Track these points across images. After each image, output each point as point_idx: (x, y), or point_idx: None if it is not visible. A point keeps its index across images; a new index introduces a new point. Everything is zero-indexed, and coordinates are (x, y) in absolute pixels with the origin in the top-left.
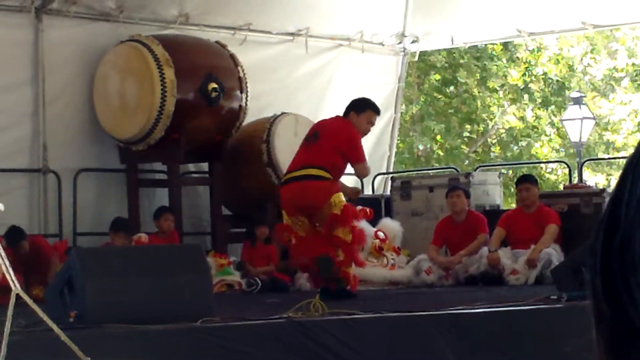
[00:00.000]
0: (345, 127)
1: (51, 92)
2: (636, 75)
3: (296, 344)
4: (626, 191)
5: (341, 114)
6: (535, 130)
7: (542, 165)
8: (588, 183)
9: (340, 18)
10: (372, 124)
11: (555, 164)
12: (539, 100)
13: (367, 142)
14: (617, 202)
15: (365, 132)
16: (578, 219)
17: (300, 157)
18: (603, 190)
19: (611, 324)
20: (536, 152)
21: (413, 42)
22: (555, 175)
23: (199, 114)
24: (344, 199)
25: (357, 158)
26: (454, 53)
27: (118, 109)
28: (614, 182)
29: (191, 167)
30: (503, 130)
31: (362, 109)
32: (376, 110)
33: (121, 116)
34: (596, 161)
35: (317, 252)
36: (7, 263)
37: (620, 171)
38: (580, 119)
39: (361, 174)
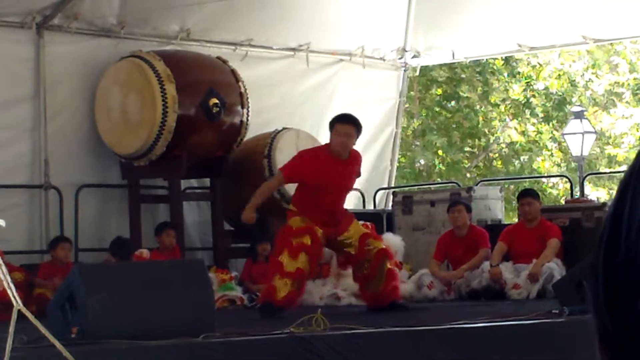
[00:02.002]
0: None
1: (52, 108)
2: (638, 89)
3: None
4: (626, 211)
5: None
6: (537, 144)
7: (544, 179)
8: (590, 197)
9: (341, 33)
10: (346, 134)
11: (557, 179)
12: (541, 115)
13: (369, 157)
14: (617, 221)
15: (340, 146)
16: (580, 233)
17: None
18: (604, 204)
19: (616, 342)
20: (538, 167)
21: (414, 57)
22: (557, 190)
23: (200, 129)
24: (293, 222)
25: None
26: (456, 67)
27: (119, 124)
28: None
29: (193, 182)
30: (504, 145)
31: (332, 126)
32: (346, 119)
33: (123, 132)
34: (598, 175)
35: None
36: (9, 279)
37: (617, 189)
38: (581, 133)
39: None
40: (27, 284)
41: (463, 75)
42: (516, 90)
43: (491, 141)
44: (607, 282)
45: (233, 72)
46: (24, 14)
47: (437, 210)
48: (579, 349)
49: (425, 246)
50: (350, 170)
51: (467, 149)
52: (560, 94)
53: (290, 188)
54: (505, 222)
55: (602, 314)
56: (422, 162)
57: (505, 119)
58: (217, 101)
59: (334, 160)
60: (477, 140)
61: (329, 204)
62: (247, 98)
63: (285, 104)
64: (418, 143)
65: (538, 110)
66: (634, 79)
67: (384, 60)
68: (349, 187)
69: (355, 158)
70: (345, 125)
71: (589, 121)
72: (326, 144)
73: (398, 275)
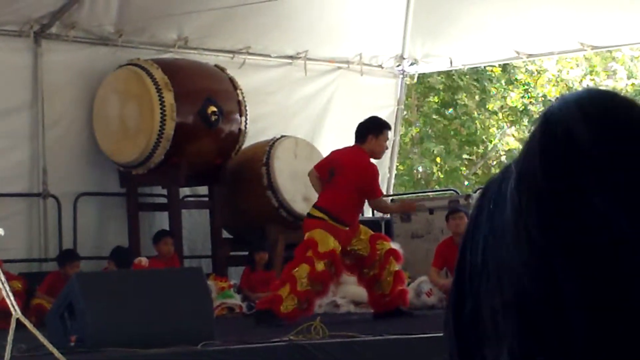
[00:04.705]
0: (363, 163)
1: (51, 116)
2: (636, 96)
3: None
4: (467, 261)
5: (353, 139)
6: None
7: None
8: None
9: (339, 41)
10: (387, 140)
11: None
12: None
13: None
14: (461, 272)
15: (384, 152)
16: None
17: (319, 196)
18: None
19: None
20: None
21: (412, 64)
22: None
23: (198, 137)
24: (317, 236)
25: (375, 194)
26: (453, 75)
27: (118, 133)
28: None
29: (191, 190)
30: (503, 152)
31: (380, 131)
32: (390, 127)
33: (121, 140)
34: None
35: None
36: (7, 288)
37: (460, 243)
38: None
39: (380, 209)
40: (26, 292)
41: (461, 83)
42: (514, 98)
43: (489, 148)
44: (458, 335)
45: (231, 80)
46: (22, 22)
47: (436, 217)
48: None
49: (424, 254)
50: None
51: (465, 156)
52: None
53: (295, 197)
54: None
55: (454, 358)
56: (421, 169)
57: (503, 126)
58: (215, 109)
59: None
60: (475, 147)
61: (362, 204)
62: (245, 106)
63: (283, 112)
64: (416, 150)
65: (536, 117)
66: (632, 84)
67: (382, 67)
68: None
69: None
70: (389, 131)
71: None
72: (361, 147)
73: (405, 279)
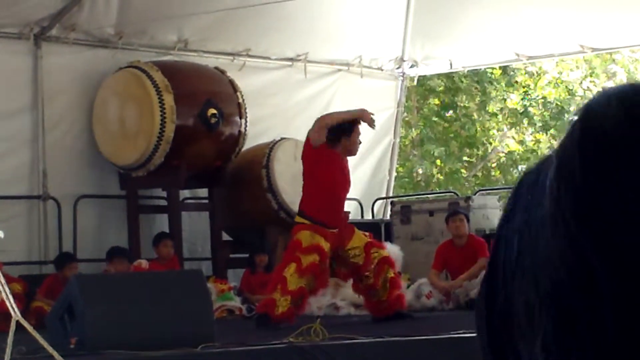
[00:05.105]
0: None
1: (51, 119)
2: None
3: None
4: (501, 256)
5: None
6: (535, 154)
7: None
8: None
9: (339, 43)
10: (359, 134)
11: None
12: (539, 124)
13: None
14: (493, 267)
15: (358, 147)
16: None
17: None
18: None
19: None
20: None
21: (412, 66)
22: None
23: (198, 139)
24: (302, 236)
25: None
26: (453, 77)
27: (118, 135)
28: None
29: (191, 192)
30: (503, 154)
31: (351, 130)
32: (359, 121)
33: (121, 142)
34: None
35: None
36: (7, 290)
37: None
38: None
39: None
40: (26, 295)
41: (461, 85)
42: (514, 100)
43: (489, 150)
44: (490, 330)
45: (231, 83)
46: (22, 25)
47: (436, 219)
48: None
49: (424, 256)
50: (348, 169)
51: (465, 158)
52: (558, 102)
53: (295, 199)
54: None
55: (486, 354)
56: (421, 171)
57: (503, 129)
58: (215, 111)
59: (344, 160)
60: (475, 149)
61: (341, 204)
62: (245, 108)
63: (283, 114)
64: (416, 153)
65: (536, 119)
66: None
67: (382, 70)
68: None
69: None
70: (360, 126)
71: None
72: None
73: (401, 283)
